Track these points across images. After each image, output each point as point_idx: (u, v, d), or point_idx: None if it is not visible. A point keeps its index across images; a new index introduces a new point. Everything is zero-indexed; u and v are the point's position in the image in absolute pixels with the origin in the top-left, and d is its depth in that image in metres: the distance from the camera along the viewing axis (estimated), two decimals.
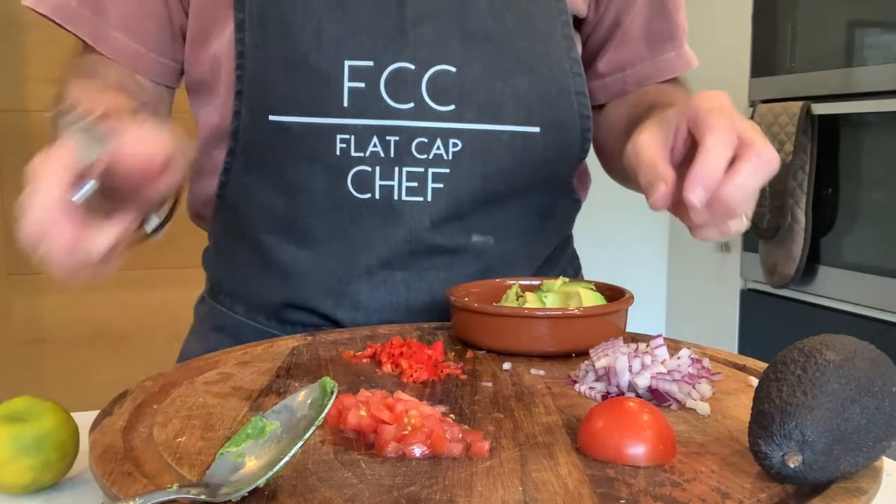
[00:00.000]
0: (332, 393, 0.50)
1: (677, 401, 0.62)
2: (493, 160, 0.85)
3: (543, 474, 0.50)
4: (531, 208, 0.91)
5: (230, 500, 0.46)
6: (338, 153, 0.83)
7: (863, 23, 2.36)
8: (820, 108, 2.36)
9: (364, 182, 0.84)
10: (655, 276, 3.11)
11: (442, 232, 0.86)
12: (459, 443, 0.53)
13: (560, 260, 1.00)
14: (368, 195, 0.84)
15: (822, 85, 2.39)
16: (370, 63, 0.82)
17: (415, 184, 0.84)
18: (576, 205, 0.99)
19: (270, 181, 0.86)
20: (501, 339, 0.75)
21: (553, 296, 0.81)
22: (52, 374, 2.09)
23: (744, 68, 2.68)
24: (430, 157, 0.84)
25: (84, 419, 0.59)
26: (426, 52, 0.82)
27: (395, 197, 0.84)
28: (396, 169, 0.83)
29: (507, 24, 0.85)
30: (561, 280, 0.84)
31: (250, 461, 0.49)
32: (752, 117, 2.59)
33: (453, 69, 0.83)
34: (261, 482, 0.47)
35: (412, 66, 0.82)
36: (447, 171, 0.84)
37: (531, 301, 0.81)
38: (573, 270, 1.03)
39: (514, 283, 0.85)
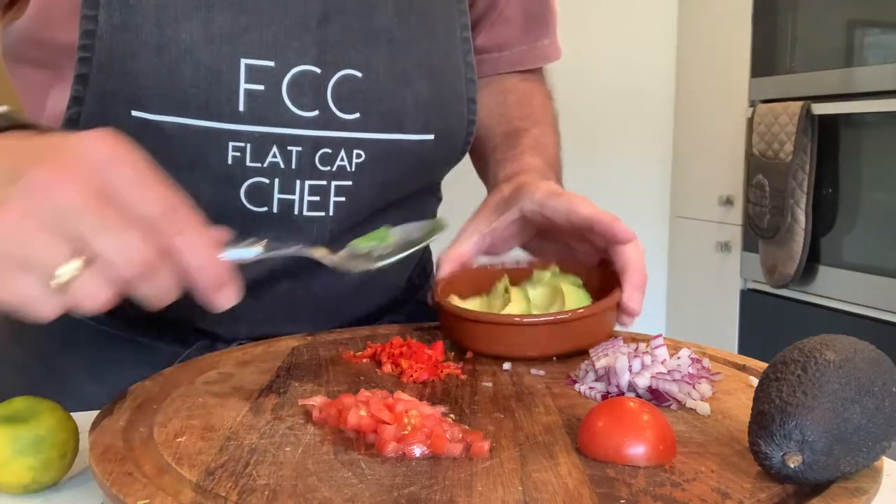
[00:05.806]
0: (441, 229, 0.70)
1: (677, 401, 0.62)
2: (392, 170, 0.81)
3: (543, 474, 0.50)
4: (413, 210, 0.88)
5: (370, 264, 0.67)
6: (230, 162, 0.74)
7: (863, 23, 2.36)
8: (820, 108, 2.37)
9: (260, 195, 0.76)
10: (655, 277, 3.11)
11: (339, 243, 0.80)
12: (459, 443, 0.53)
13: (424, 251, 1.01)
14: (265, 209, 0.77)
15: (822, 85, 2.39)
16: (271, 63, 0.73)
17: (317, 198, 0.77)
18: (438, 203, 0.98)
19: None
20: (493, 346, 0.74)
21: (539, 290, 0.80)
22: None
23: (744, 68, 2.68)
24: (334, 168, 0.77)
25: (84, 419, 0.59)
26: (332, 55, 0.75)
27: (296, 212, 0.77)
28: (298, 182, 0.76)
29: (411, 26, 0.79)
30: (551, 270, 0.81)
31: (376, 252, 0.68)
32: (752, 117, 2.59)
33: (359, 74, 0.76)
34: (392, 260, 0.67)
35: (318, 70, 0.74)
36: (350, 183, 0.78)
37: (515, 298, 0.79)
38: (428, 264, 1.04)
39: (501, 269, 0.83)
